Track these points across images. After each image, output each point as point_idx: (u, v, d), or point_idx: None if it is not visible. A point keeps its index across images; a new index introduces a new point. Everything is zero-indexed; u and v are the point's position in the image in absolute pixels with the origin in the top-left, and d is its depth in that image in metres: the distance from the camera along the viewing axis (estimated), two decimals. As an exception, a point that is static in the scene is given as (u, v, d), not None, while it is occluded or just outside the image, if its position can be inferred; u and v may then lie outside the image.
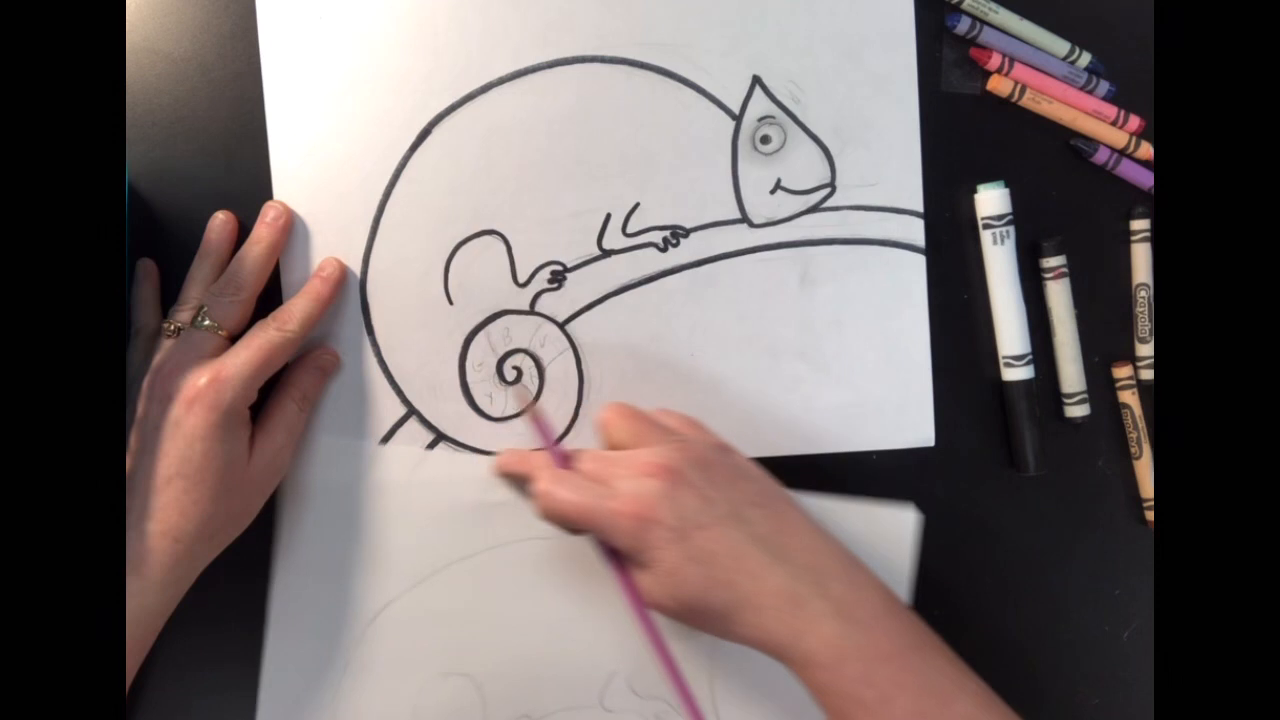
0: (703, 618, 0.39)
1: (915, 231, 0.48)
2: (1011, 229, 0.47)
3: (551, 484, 0.40)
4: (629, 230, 0.47)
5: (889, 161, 0.48)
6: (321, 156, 0.46)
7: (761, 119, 0.47)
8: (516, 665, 0.47)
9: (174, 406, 0.41)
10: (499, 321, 0.47)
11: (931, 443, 0.48)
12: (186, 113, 0.47)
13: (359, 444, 0.47)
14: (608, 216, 0.47)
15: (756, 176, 0.47)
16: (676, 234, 0.47)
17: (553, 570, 0.47)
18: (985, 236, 0.48)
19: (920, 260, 0.48)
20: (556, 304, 0.47)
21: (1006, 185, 0.47)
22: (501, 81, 0.46)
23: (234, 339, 0.44)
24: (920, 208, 0.48)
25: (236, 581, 0.47)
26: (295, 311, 0.44)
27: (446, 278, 0.47)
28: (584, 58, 0.47)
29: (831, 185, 0.48)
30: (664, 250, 0.47)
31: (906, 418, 0.48)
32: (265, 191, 0.46)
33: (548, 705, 0.47)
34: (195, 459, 0.41)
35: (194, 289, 0.45)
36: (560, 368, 0.47)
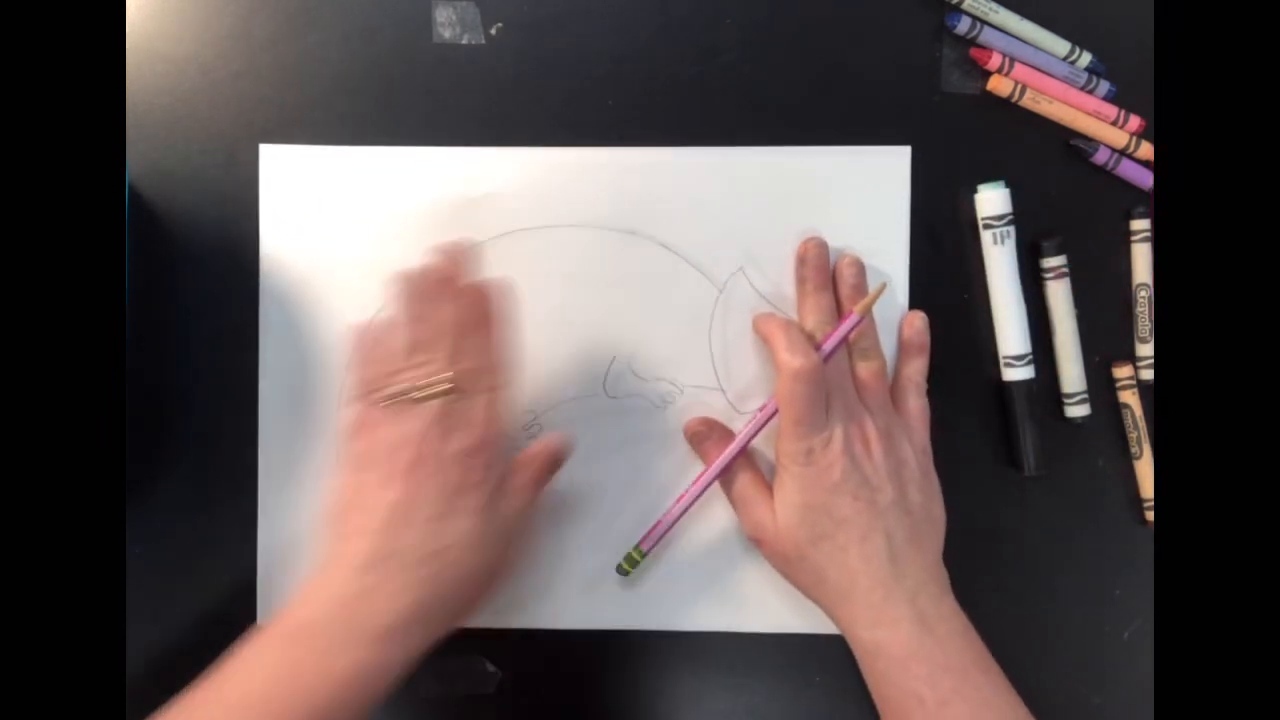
0: (797, 564, 0.43)
1: None
2: (1011, 229, 0.47)
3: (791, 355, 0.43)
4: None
5: None
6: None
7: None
8: (516, 360, 0.47)
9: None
10: None
11: None
12: (186, 113, 0.47)
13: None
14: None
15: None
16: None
17: (542, 260, 0.47)
18: (985, 236, 0.48)
19: None
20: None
21: (1006, 185, 0.47)
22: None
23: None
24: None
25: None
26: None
27: None
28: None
29: None
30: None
31: None
32: (265, 191, 0.46)
33: (552, 398, 0.47)
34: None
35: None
36: None
